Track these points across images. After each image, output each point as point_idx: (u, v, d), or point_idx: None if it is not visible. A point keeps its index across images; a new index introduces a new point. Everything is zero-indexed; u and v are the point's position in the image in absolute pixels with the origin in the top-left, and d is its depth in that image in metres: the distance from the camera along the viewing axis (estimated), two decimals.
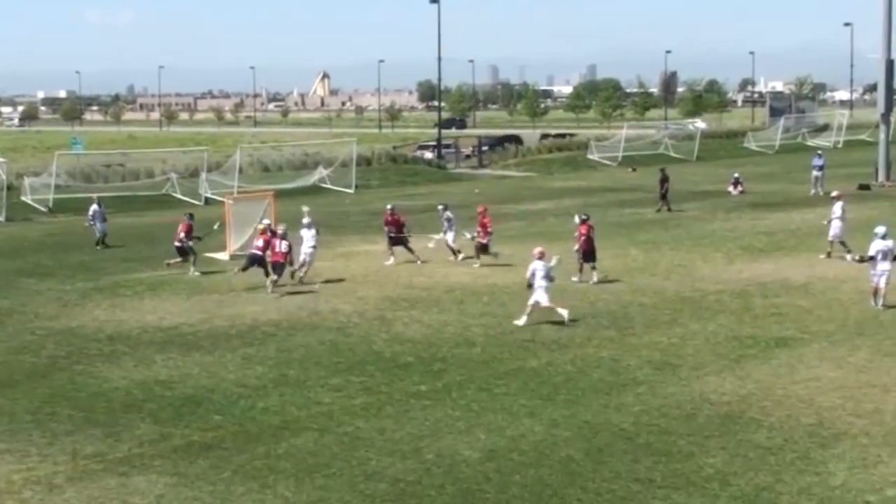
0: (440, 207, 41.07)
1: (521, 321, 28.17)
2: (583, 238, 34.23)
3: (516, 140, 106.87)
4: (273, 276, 33.40)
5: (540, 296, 28.20)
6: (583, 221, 34.66)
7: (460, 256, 38.74)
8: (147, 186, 67.72)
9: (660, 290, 32.64)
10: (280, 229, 33.97)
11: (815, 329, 27.41)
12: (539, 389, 22.39)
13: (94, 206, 45.34)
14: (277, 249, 33.31)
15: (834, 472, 17.49)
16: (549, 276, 28.45)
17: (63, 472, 18.04)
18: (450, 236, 39.37)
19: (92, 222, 45.07)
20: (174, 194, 64.50)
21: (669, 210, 53.50)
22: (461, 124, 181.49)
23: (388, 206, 39.54)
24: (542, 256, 28.58)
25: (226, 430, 20.20)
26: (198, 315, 30.46)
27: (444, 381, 23.18)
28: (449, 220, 39.74)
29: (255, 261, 34.02)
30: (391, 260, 38.29)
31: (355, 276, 36.28)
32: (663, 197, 54.69)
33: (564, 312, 28.21)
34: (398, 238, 38.70)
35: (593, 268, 33.98)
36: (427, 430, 19.90)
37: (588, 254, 34.19)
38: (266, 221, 36.61)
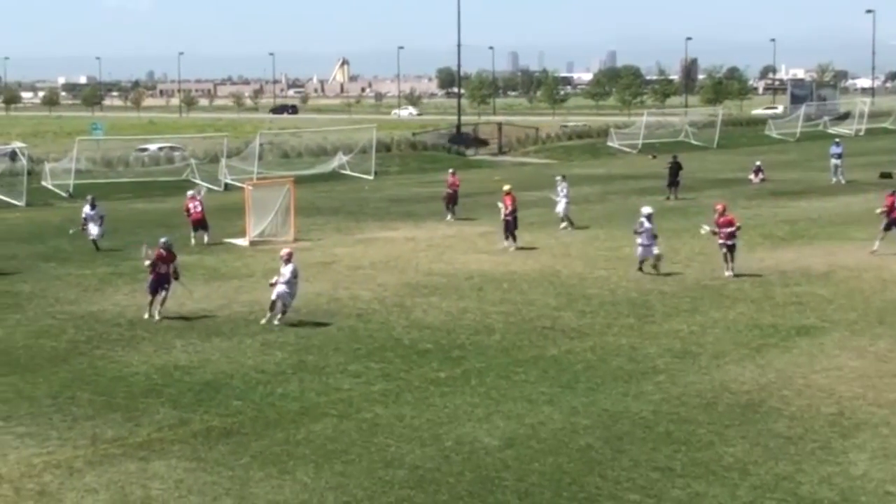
0: (558, 178, 45.54)
1: (275, 322, 27.24)
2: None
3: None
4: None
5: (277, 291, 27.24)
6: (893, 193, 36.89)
7: (563, 225, 43.18)
8: (166, 172, 67.87)
9: (680, 278, 32.54)
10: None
11: (836, 318, 27.30)
12: (558, 377, 22.36)
13: (87, 208, 41.14)
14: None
15: (855, 461, 17.43)
16: (290, 282, 27.15)
17: (83, 456, 18.09)
18: (561, 206, 43.55)
19: (84, 227, 40.89)
20: (194, 180, 64.52)
21: (676, 198, 53.29)
22: (293, 110, 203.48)
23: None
24: (289, 259, 27.34)
25: (245, 415, 20.22)
26: (217, 300, 30.50)
27: (463, 368, 23.16)
28: (563, 190, 43.88)
29: (510, 229, 38.53)
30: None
31: (375, 262, 36.27)
32: (673, 184, 54.53)
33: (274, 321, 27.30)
34: None
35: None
36: (446, 417, 19.89)
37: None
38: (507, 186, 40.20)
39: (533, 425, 19.38)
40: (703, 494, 16.19)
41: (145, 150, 76.41)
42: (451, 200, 47.65)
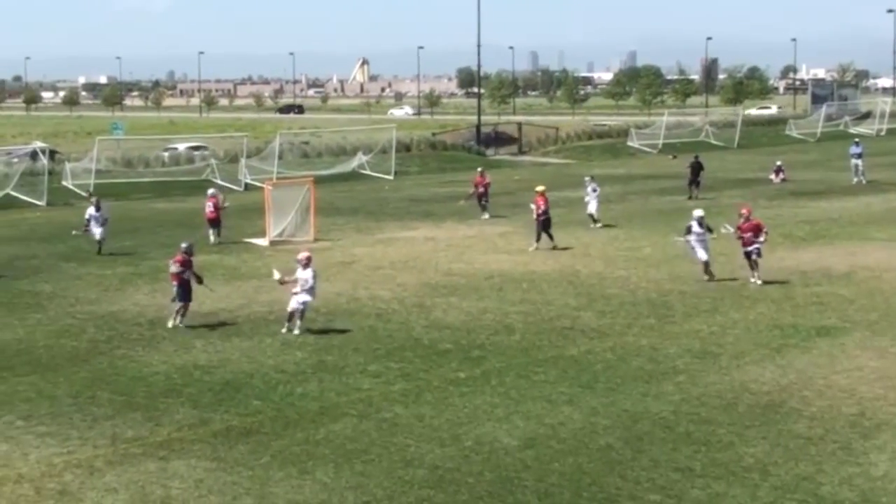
0: (587, 178, 46.02)
1: (296, 331, 26.31)
2: None
3: None
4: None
5: (293, 303, 26.40)
6: None
7: (596, 224, 43.83)
8: (187, 172, 68.00)
9: (700, 278, 32.43)
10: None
11: (857, 318, 27.19)
12: (578, 377, 22.32)
13: (91, 209, 40.26)
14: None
15: (875, 462, 17.36)
16: (311, 288, 26.31)
17: (103, 456, 18.13)
18: (593, 205, 44.27)
19: (87, 228, 40.12)
20: (214, 180, 64.61)
21: (697, 198, 52.96)
22: (300, 110, 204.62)
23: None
24: (308, 263, 26.36)
25: (265, 415, 20.24)
26: (237, 300, 30.54)
27: (482, 368, 23.14)
28: (595, 190, 44.54)
29: (544, 229, 38.64)
30: None
31: (394, 262, 36.28)
32: (693, 183, 54.32)
33: (294, 330, 26.44)
34: None
35: None
36: (466, 417, 19.87)
37: None
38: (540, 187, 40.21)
39: (553, 425, 19.35)
40: (723, 495, 16.14)
41: (174, 149, 76.78)
42: (483, 197, 48.28)
